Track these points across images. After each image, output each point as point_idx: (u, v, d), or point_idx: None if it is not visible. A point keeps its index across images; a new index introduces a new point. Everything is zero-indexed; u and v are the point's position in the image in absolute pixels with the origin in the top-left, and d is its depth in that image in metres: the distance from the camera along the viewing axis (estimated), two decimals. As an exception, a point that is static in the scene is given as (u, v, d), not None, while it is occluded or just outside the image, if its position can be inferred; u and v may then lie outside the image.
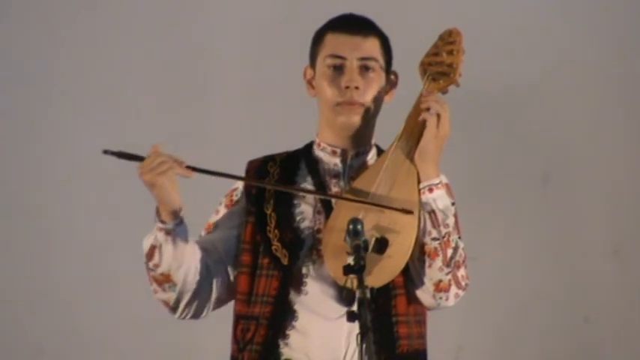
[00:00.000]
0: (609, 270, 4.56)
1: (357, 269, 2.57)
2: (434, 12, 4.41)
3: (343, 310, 2.82)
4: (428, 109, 2.86)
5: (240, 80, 4.50)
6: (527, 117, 4.58)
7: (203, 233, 2.98)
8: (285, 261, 2.86)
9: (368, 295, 2.52)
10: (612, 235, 4.59)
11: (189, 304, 2.91)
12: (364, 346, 2.46)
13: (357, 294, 2.53)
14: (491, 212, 4.51)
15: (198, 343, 4.11)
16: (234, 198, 2.98)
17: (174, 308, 2.91)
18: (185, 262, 2.86)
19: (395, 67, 3.02)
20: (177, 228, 2.83)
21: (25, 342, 4.43)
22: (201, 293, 2.91)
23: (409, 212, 2.80)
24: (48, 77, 4.49)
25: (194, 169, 2.82)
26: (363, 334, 2.47)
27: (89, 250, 4.45)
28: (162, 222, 2.82)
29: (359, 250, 2.60)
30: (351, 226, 2.64)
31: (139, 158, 2.81)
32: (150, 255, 2.84)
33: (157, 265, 2.84)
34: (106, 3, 4.53)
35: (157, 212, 2.83)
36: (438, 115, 2.83)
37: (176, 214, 2.82)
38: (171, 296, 2.88)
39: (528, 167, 4.58)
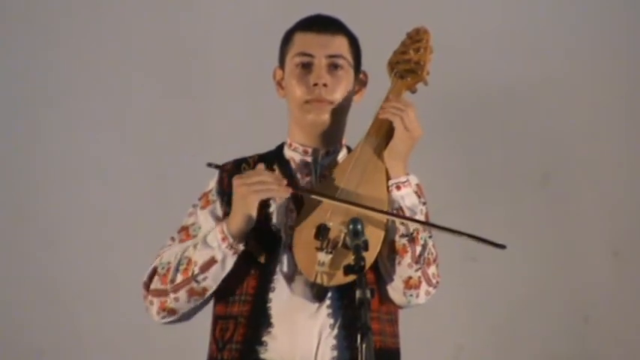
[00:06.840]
0: (609, 270, 4.56)
1: (357, 269, 2.57)
2: (434, 13, 4.40)
3: (312, 306, 2.83)
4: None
5: (240, 79, 4.50)
6: (527, 117, 4.58)
7: (177, 236, 2.95)
8: (261, 259, 2.86)
9: (368, 295, 2.53)
10: (612, 235, 4.59)
11: (187, 313, 2.92)
12: (364, 346, 2.46)
13: (357, 294, 2.54)
14: (491, 212, 4.51)
15: (199, 343, 4.11)
16: (211, 198, 2.96)
17: (173, 314, 2.89)
18: None
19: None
20: (240, 249, 2.84)
21: (24, 342, 4.43)
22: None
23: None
24: (48, 77, 4.49)
25: (295, 189, 2.82)
26: (363, 334, 2.47)
27: (89, 251, 4.45)
28: (234, 238, 2.81)
29: (359, 250, 2.61)
30: (351, 226, 2.64)
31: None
32: (206, 267, 2.83)
33: (205, 279, 2.84)
34: (105, 2, 4.53)
35: (228, 226, 2.82)
36: (401, 118, 2.84)
37: (244, 235, 2.83)
38: (187, 307, 2.88)
39: (528, 167, 4.58)
